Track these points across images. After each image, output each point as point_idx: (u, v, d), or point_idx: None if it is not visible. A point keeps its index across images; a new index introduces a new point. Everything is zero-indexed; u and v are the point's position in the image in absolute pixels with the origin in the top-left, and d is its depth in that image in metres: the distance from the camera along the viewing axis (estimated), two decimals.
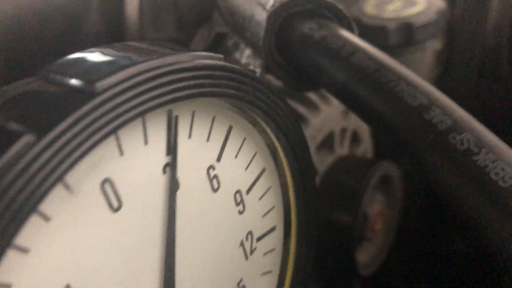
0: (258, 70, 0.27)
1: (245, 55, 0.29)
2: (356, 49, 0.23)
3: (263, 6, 0.26)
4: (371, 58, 0.22)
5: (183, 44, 0.44)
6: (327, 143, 0.40)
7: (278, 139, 0.20)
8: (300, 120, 0.38)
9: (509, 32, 0.55)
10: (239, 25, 0.29)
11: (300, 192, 0.21)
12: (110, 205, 0.15)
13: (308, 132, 0.38)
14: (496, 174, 0.17)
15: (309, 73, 0.25)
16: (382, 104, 0.21)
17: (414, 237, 0.47)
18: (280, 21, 0.26)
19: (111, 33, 0.43)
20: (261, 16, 0.26)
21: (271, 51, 0.26)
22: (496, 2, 0.52)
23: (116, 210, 0.15)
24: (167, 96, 0.14)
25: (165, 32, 0.44)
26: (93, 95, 0.13)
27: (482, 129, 0.19)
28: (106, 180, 0.15)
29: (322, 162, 0.39)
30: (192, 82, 0.15)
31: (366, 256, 0.39)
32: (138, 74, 0.13)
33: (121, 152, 0.15)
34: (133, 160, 0.15)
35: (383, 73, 0.21)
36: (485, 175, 0.17)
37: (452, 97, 0.58)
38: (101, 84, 0.13)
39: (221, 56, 0.16)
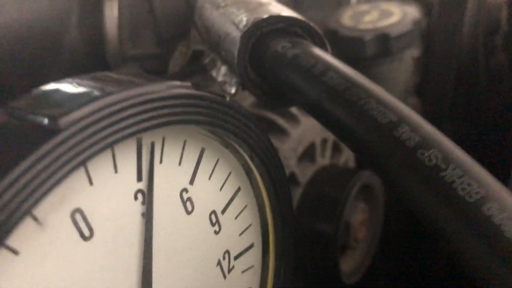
0: (234, 88, 0.28)
1: (221, 73, 0.29)
2: (327, 67, 0.23)
3: (236, 26, 0.27)
4: (342, 76, 0.23)
5: (163, 59, 0.44)
6: (309, 154, 0.40)
7: (252, 160, 0.20)
8: (280, 132, 0.38)
9: (484, 39, 0.56)
10: (214, 43, 0.30)
11: (276, 210, 0.21)
12: (81, 234, 0.15)
13: (288, 144, 0.38)
14: (463, 189, 0.18)
15: (283, 91, 0.25)
16: (353, 121, 0.21)
17: (398, 243, 0.47)
18: (254, 40, 0.26)
19: (91, 50, 0.43)
20: (235, 35, 0.26)
21: (246, 69, 0.26)
22: (471, 10, 0.54)
23: (88, 239, 0.15)
24: (134, 127, 0.15)
25: (145, 48, 0.44)
26: (56, 131, 0.13)
27: (450, 145, 0.19)
28: (76, 211, 0.15)
29: (304, 173, 0.40)
30: (159, 112, 0.15)
31: (350, 264, 0.40)
32: (102, 108, 0.14)
33: (90, 182, 0.15)
34: (103, 188, 0.15)
35: (353, 91, 0.22)
36: (452, 190, 0.18)
37: (430, 103, 0.59)
38: (64, 120, 0.13)
39: (188, 84, 0.16)
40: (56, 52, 0.42)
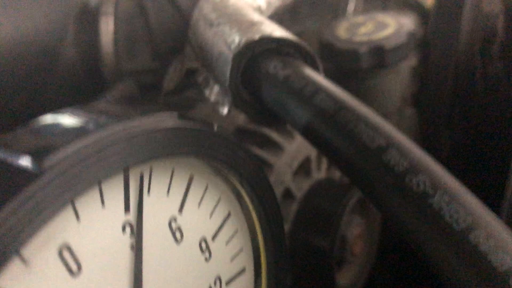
0: (226, 107, 0.28)
1: (214, 92, 0.29)
2: (317, 88, 0.23)
3: (229, 46, 0.27)
4: (332, 98, 0.23)
5: (159, 73, 0.44)
6: (304, 168, 0.40)
7: (241, 185, 0.20)
8: (275, 147, 0.38)
9: (481, 47, 0.56)
10: (207, 61, 0.30)
11: (267, 234, 0.21)
12: (69, 270, 0.15)
13: (284, 159, 0.38)
14: (450, 216, 0.18)
15: (275, 111, 0.26)
16: (342, 145, 0.21)
17: (395, 256, 0.47)
18: (245, 60, 0.26)
19: (87, 66, 0.44)
20: (227, 56, 0.26)
21: (238, 90, 0.26)
22: (467, 19, 0.54)
23: (76, 275, 0.15)
24: (121, 162, 0.15)
25: (140, 63, 0.44)
26: (39, 173, 0.13)
27: (438, 170, 0.19)
28: (63, 246, 0.15)
29: (299, 188, 0.40)
30: (144, 147, 0.15)
31: (347, 279, 0.40)
32: (87, 145, 0.14)
33: (77, 217, 0.15)
34: (90, 223, 0.15)
35: (343, 113, 0.22)
36: (440, 217, 0.18)
37: (428, 112, 0.59)
38: (48, 161, 0.13)
39: (175, 114, 0.17)
40: (52, 68, 0.42)
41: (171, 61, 0.43)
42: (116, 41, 0.43)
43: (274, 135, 0.38)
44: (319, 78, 0.24)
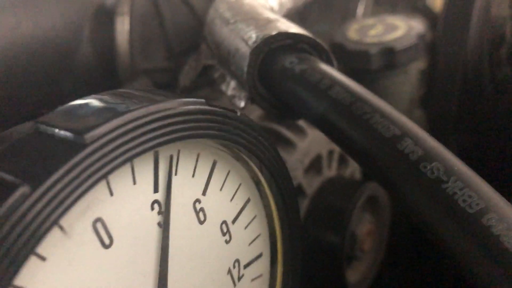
0: (243, 101, 0.29)
1: (231, 87, 0.30)
2: (333, 82, 0.24)
3: (246, 42, 0.28)
4: (347, 91, 0.24)
5: (173, 72, 0.45)
6: (315, 165, 0.41)
7: (261, 172, 0.21)
8: (287, 144, 0.39)
9: (489, 51, 0.56)
10: (224, 58, 0.31)
11: (284, 221, 0.22)
12: (102, 242, 0.16)
13: (295, 156, 0.39)
14: (464, 201, 0.19)
15: (291, 105, 0.26)
16: (358, 135, 0.22)
17: (404, 254, 0.48)
18: (262, 56, 0.27)
19: (102, 64, 0.45)
20: (244, 51, 0.27)
21: (255, 84, 0.27)
22: (475, 23, 0.54)
23: (108, 247, 0.16)
24: (153, 142, 0.16)
25: (155, 62, 0.45)
26: (82, 146, 0.14)
27: (451, 158, 0.20)
28: (97, 220, 0.16)
29: (310, 185, 0.40)
30: (175, 127, 0.16)
31: (357, 275, 0.40)
32: (124, 124, 0.15)
33: (111, 193, 0.16)
34: (122, 199, 0.16)
35: (358, 105, 0.23)
36: (454, 202, 0.19)
37: (436, 115, 0.59)
38: (89, 136, 0.14)
39: (202, 100, 0.17)
40: (69, 66, 0.43)
41: (185, 60, 0.44)
42: (131, 41, 0.44)
43: (286, 132, 0.39)
44: (335, 72, 0.25)
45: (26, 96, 0.41)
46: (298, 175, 0.39)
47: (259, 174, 0.21)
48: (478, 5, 0.54)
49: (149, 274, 0.17)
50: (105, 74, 0.45)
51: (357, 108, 0.23)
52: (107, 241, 0.16)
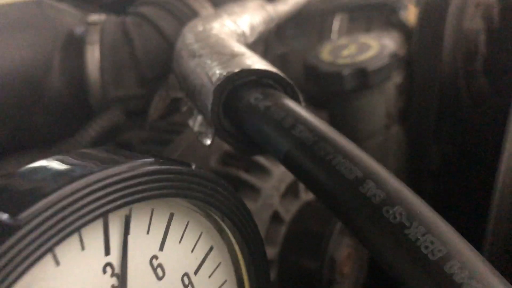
0: (209, 139, 0.28)
1: (198, 123, 0.30)
2: (297, 120, 0.24)
3: (210, 78, 0.27)
4: (310, 130, 0.23)
5: (146, 99, 0.45)
6: (292, 190, 0.41)
7: (223, 221, 0.20)
8: (263, 171, 0.39)
9: (464, 63, 0.57)
10: (191, 92, 0.30)
11: (251, 266, 0.22)
12: None
13: (271, 182, 0.39)
14: (426, 247, 0.18)
15: (256, 141, 0.26)
16: (321, 176, 0.22)
17: (386, 276, 0.47)
18: (227, 92, 0.27)
19: (74, 94, 0.44)
20: (209, 88, 0.27)
21: (220, 120, 0.27)
22: (449, 36, 0.55)
23: None
24: (99, 210, 0.15)
25: (127, 89, 0.45)
26: (16, 228, 0.13)
27: (414, 200, 0.20)
28: None
29: (287, 210, 0.40)
30: (122, 193, 0.16)
31: None
32: (64, 198, 0.14)
33: (57, 262, 0.15)
34: (71, 267, 0.16)
35: (321, 145, 0.22)
36: (416, 248, 0.18)
37: (415, 127, 0.59)
38: (24, 216, 0.13)
39: (152, 160, 0.17)
40: (39, 96, 0.43)
41: (157, 87, 0.44)
42: (102, 69, 0.43)
43: (261, 159, 0.39)
44: (299, 109, 0.25)
45: None
46: (274, 202, 0.38)
47: (221, 223, 0.20)
48: (450, 19, 0.54)
49: None
50: (77, 103, 0.44)
51: (320, 148, 0.22)
52: None
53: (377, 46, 0.44)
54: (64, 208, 0.14)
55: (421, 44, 0.56)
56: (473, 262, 0.18)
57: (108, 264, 0.17)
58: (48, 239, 0.14)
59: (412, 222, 0.19)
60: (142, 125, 0.43)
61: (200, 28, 0.37)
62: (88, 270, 0.16)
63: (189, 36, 0.35)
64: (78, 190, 0.14)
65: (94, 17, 0.44)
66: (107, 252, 0.17)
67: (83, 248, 0.16)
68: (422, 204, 0.20)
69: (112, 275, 0.17)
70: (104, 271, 0.17)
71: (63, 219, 0.14)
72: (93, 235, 0.16)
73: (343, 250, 0.39)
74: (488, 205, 0.37)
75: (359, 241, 0.21)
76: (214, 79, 0.27)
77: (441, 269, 0.18)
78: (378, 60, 0.42)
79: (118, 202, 0.15)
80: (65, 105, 0.44)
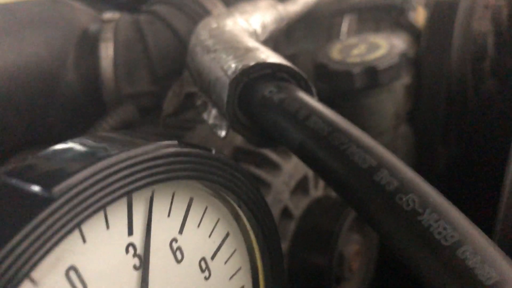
0: (224, 131, 0.29)
1: (212, 116, 0.30)
2: (311, 112, 0.24)
3: (225, 72, 0.28)
4: (325, 121, 0.24)
5: (158, 96, 0.45)
6: (302, 186, 0.41)
7: (239, 207, 0.21)
8: (273, 166, 0.39)
9: (473, 65, 0.57)
10: (205, 86, 0.31)
11: (265, 254, 0.22)
12: None
13: (281, 178, 0.39)
14: (439, 233, 0.19)
15: (271, 133, 0.26)
16: (335, 165, 0.22)
17: (394, 271, 0.48)
18: (242, 85, 0.27)
19: (87, 90, 0.45)
20: (224, 81, 0.28)
21: (235, 113, 0.27)
22: (457, 37, 0.55)
23: None
24: (125, 189, 0.16)
25: (140, 86, 0.46)
26: (50, 200, 0.14)
27: (427, 189, 0.20)
28: (70, 268, 0.16)
29: (297, 206, 0.40)
30: (147, 172, 0.16)
31: None
32: (93, 174, 0.15)
33: (84, 240, 0.16)
34: (96, 245, 0.16)
35: (335, 135, 0.23)
36: (429, 234, 0.19)
37: (423, 128, 0.59)
38: (57, 189, 0.14)
39: (175, 142, 0.18)
40: (53, 93, 0.43)
41: (170, 84, 0.44)
42: (115, 66, 0.44)
43: (272, 155, 0.39)
44: (312, 102, 0.25)
45: (12, 123, 0.41)
46: (284, 197, 0.39)
47: (238, 209, 0.21)
48: (459, 20, 0.55)
49: None
50: (90, 100, 0.45)
51: (334, 138, 0.23)
52: None
53: (386, 46, 0.45)
54: (92, 185, 0.15)
55: (429, 45, 0.57)
56: (485, 248, 0.18)
57: (131, 244, 0.17)
58: (77, 215, 0.15)
59: (425, 209, 0.19)
60: (154, 122, 0.44)
61: (214, 25, 0.37)
62: (112, 249, 0.17)
63: (203, 33, 0.35)
64: (104, 169, 0.15)
65: (108, 15, 0.45)
66: (130, 232, 0.17)
67: (108, 227, 0.17)
68: (434, 192, 0.20)
69: (134, 255, 0.18)
70: (127, 251, 0.17)
71: (91, 195, 0.15)
72: (117, 214, 0.17)
73: (352, 247, 0.40)
74: (495, 208, 0.37)
75: (373, 229, 0.21)
76: (229, 72, 0.27)
77: (454, 254, 0.18)
78: (388, 59, 0.43)
79: (141, 182, 0.16)
80: (79, 101, 0.45)
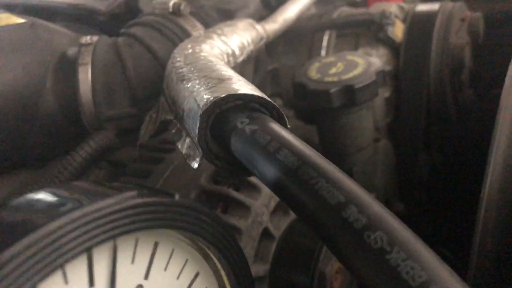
0: (196, 162, 0.29)
1: (186, 145, 0.30)
2: (281, 144, 0.24)
3: (197, 103, 0.28)
4: (295, 153, 0.24)
5: (138, 118, 0.45)
6: (282, 206, 0.41)
7: (208, 247, 0.21)
8: (252, 189, 0.39)
9: (450, 76, 0.58)
10: (179, 115, 0.31)
11: None
12: None
13: (261, 200, 0.39)
14: (407, 273, 0.19)
15: (243, 164, 0.27)
16: (305, 200, 0.22)
17: None
18: (214, 116, 0.27)
19: (66, 114, 0.45)
20: (196, 112, 0.28)
21: (207, 144, 0.27)
22: (435, 50, 0.56)
23: None
24: (83, 245, 0.15)
25: (119, 109, 0.45)
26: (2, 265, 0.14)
27: (396, 225, 0.20)
28: None
29: (278, 227, 0.40)
30: (107, 228, 0.16)
31: None
32: (43, 236, 0.14)
33: None
34: None
35: (305, 169, 0.23)
36: (397, 274, 0.19)
37: (404, 140, 0.60)
38: (5, 255, 0.14)
39: (134, 194, 0.17)
40: (33, 117, 0.43)
41: (149, 106, 0.44)
42: (94, 90, 0.44)
43: (251, 178, 0.39)
44: (284, 133, 0.26)
45: None
46: (264, 219, 0.39)
47: (206, 250, 0.21)
48: (437, 33, 0.55)
49: None
50: (70, 123, 0.45)
51: (304, 172, 0.23)
52: None
53: (363, 64, 0.45)
54: (47, 245, 0.15)
55: (408, 58, 0.57)
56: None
57: None
58: (31, 277, 0.14)
59: (393, 247, 0.19)
60: (134, 143, 0.43)
61: (190, 50, 0.37)
62: None
63: (178, 59, 0.35)
64: (61, 227, 0.15)
65: (86, 38, 0.45)
66: (91, 283, 0.17)
67: (66, 282, 0.17)
68: (403, 229, 0.20)
69: None
70: None
71: (46, 256, 0.15)
72: (76, 268, 0.17)
73: (333, 265, 0.40)
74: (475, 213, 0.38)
75: (343, 265, 0.21)
76: (201, 104, 0.27)
77: None
78: (365, 77, 0.43)
79: (103, 236, 0.16)
80: (58, 125, 0.45)
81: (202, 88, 0.29)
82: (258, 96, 0.27)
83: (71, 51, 0.45)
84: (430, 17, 0.56)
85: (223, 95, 0.27)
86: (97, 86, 0.44)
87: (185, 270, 0.21)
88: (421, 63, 0.57)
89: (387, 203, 0.58)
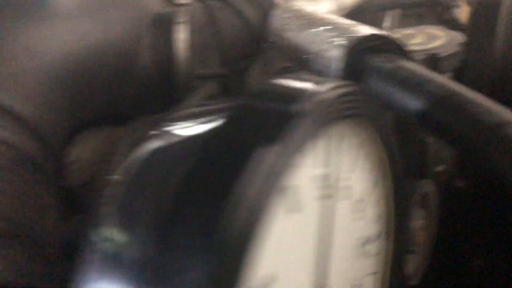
0: None
1: None
2: (426, 78, 0.26)
3: (332, 44, 0.30)
4: (442, 85, 0.26)
5: (227, 78, 0.47)
6: None
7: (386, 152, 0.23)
8: None
9: None
10: (305, 60, 0.33)
11: (398, 202, 0.24)
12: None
13: None
14: None
15: (384, 102, 0.28)
16: (461, 125, 0.24)
17: (436, 254, 0.50)
18: (351, 56, 0.29)
19: (161, 70, 0.47)
20: (331, 52, 0.30)
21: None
22: (501, 32, 0.57)
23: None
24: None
25: (211, 68, 0.48)
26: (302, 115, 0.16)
27: None
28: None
29: None
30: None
31: (412, 267, 0.42)
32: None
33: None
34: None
35: (457, 97, 0.25)
36: None
37: None
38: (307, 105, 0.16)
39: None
40: (131, 72, 0.45)
41: (237, 67, 0.46)
42: (189, 48, 0.46)
43: None
44: (422, 69, 0.28)
45: (94, 99, 0.43)
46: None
47: (384, 156, 0.23)
48: (503, 15, 0.57)
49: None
50: (164, 79, 0.47)
51: (457, 99, 0.25)
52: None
53: (445, 36, 0.47)
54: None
55: (473, 40, 0.59)
56: None
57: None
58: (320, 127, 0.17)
59: None
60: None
61: (296, 7, 0.40)
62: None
63: (291, 14, 0.38)
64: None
65: (182, 0, 0.47)
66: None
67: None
68: None
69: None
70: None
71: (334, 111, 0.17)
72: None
73: (418, 222, 0.42)
74: None
75: (500, 181, 0.23)
76: (338, 44, 0.29)
77: None
78: (449, 48, 0.45)
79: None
80: (153, 80, 0.47)
81: (333, 33, 0.31)
82: (394, 39, 0.29)
83: (166, 11, 0.47)
84: (496, 0, 0.58)
85: (367, 33, 0.29)
86: (191, 45, 0.46)
87: (373, 172, 0.23)
88: (486, 45, 0.58)
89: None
